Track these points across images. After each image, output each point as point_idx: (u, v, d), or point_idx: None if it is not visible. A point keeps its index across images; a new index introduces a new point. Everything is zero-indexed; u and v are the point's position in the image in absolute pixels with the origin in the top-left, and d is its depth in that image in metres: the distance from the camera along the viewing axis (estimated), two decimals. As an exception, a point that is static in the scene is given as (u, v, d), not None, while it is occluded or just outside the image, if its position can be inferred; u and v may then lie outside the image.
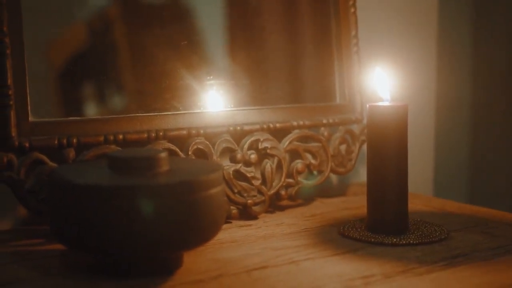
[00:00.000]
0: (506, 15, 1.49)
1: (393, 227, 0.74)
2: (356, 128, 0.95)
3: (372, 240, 0.72)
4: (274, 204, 0.88)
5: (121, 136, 0.75)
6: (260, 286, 0.60)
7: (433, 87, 1.17)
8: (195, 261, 0.66)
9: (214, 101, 0.84)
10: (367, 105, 0.75)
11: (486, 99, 1.49)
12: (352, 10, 0.94)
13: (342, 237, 0.75)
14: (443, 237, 0.73)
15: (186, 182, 0.59)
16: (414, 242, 0.71)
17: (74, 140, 0.73)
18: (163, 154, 0.63)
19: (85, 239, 0.59)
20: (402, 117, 0.74)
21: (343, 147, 0.93)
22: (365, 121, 0.95)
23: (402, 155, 0.74)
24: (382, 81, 0.77)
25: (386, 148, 0.74)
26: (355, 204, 0.92)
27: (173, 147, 0.78)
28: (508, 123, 1.69)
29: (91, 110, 0.77)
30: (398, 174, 0.74)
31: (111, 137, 0.74)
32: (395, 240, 0.72)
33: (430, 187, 1.19)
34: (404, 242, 0.71)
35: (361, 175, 1.06)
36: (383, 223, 0.74)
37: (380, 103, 0.75)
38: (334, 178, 1.04)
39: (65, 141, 0.72)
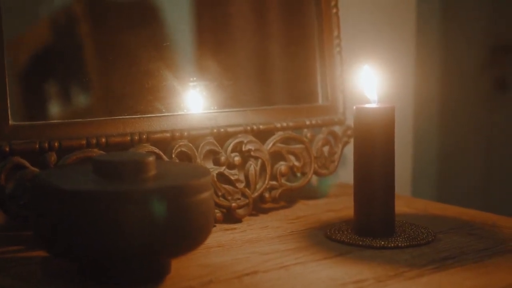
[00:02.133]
0: (475, 13, 1.51)
1: (381, 230, 0.74)
2: (338, 129, 0.94)
3: (360, 243, 0.72)
4: (258, 207, 0.87)
5: (104, 139, 0.73)
6: (252, 292, 0.59)
7: (412, 86, 1.17)
8: (184, 266, 0.64)
9: (197, 103, 0.82)
10: (354, 107, 0.74)
11: (455, 99, 1.50)
12: (334, 10, 0.94)
13: (330, 240, 0.74)
14: (430, 239, 0.73)
15: (176, 187, 0.58)
16: (402, 245, 0.71)
17: (56, 144, 0.71)
18: (151, 158, 0.61)
19: (72, 246, 0.57)
20: (389, 118, 0.74)
21: (326, 149, 0.92)
22: (347, 122, 0.95)
23: (389, 157, 0.74)
24: (367, 82, 0.77)
25: (373, 150, 0.73)
26: (338, 205, 0.91)
27: (157, 150, 0.77)
28: (475, 122, 1.70)
29: (73, 113, 0.75)
30: (385, 176, 0.74)
31: (94, 140, 0.73)
32: (383, 243, 0.71)
33: (408, 187, 1.19)
34: (392, 245, 0.71)
35: (341, 176, 1.06)
36: (371, 225, 0.74)
37: (367, 105, 0.74)
38: (315, 179, 1.03)
39: (46, 145, 0.70)
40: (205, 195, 0.61)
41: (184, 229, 0.59)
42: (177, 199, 0.58)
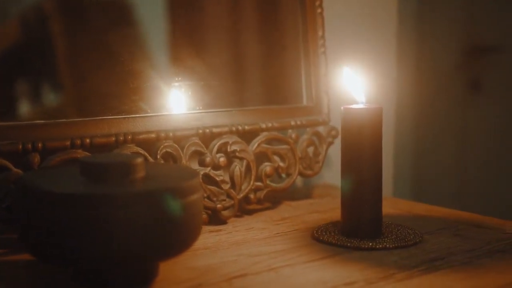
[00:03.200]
0: (449, 15, 1.52)
1: (368, 231, 0.74)
2: (323, 130, 0.94)
3: (348, 244, 0.71)
4: (242, 208, 0.87)
5: (88, 140, 0.72)
6: (244, 295, 0.58)
7: (393, 87, 1.17)
8: (172, 269, 0.64)
9: (182, 103, 0.81)
10: (342, 108, 0.74)
11: (430, 99, 1.51)
12: (319, 10, 0.93)
13: (317, 241, 0.74)
14: (417, 240, 0.73)
15: (166, 189, 0.57)
16: (390, 246, 0.71)
17: (40, 145, 0.69)
18: (139, 160, 0.60)
19: (59, 249, 0.56)
20: (377, 119, 0.73)
21: (310, 150, 0.92)
22: (332, 122, 0.95)
23: (377, 158, 0.74)
24: (351, 83, 0.77)
25: (361, 151, 0.73)
26: (322, 206, 0.91)
27: (142, 151, 0.75)
28: (449, 122, 1.71)
29: (56, 113, 0.73)
30: (373, 178, 0.73)
31: (78, 141, 0.71)
32: (371, 244, 0.71)
33: (390, 188, 1.19)
34: (380, 246, 0.71)
35: (325, 177, 1.06)
36: (358, 227, 0.74)
37: (355, 106, 0.74)
38: (299, 180, 1.03)
39: (30, 145, 0.69)
40: (195, 197, 0.60)
41: (174, 232, 0.58)
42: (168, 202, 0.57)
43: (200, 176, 0.77)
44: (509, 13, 1.71)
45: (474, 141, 1.80)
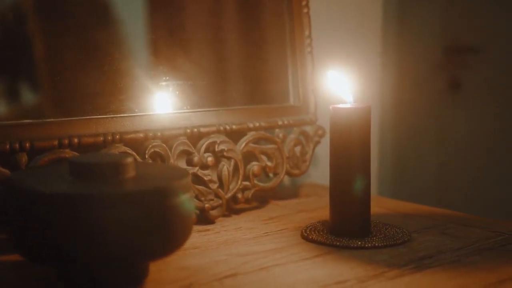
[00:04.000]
0: (429, 15, 1.53)
1: (357, 230, 0.74)
2: (309, 130, 0.94)
3: (338, 243, 0.71)
4: (230, 208, 0.86)
5: (76, 140, 0.71)
6: (236, 295, 0.58)
7: (377, 87, 1.18)
8: (162, 269, 0.63)
9: (170, 103, 0.81)
10: (330, 107, 0.74)
11: (410, 99, 1.52)
12: (305, 10, 0.93)
13: (306, 240, 0.74)
14: (406, 239, 0.73)
15: (158, 189, 0.57)
16: (379, 245, 0.71)
17: (27, 145, 0.68)
18: (129, 159, 0.60)
19: (49, 249, 0.55)
20: (365, 118, 0.73)
21: (297, 149, 0.92)
22: (318, 122, 0.95)
23: (365, 157, 0.74)
24: (340, 82, 0.77)
25: (350, 150, 0.73)
26: (309, 206, 0.91)
27: (130, 151, 0.75)
28: (429, 121, 1.73)
29: (44, 113, 0.72)
30: (362, 176, 0.73)
31: (66, 141, 0.71)
32: (360, 243, 0.71)
33: (375, 187, 1.20)
34: (369, 245, 0.71)
35: (312, 176, 1.06)
36: (347, 226, 0.74)
37: (343, 105, 0.74)
38: (285, 179, 1.03)
39: (17, 145, 0.68)
40: (186, 196, 0.59)
41: (165, 232, 0.57)
42: (159, 202, 0.57)
43: (190, 175, 0.76)
44: (488, 14, 1.72)
45: (454, 139, 1.81)
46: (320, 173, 1.05)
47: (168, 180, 0.59)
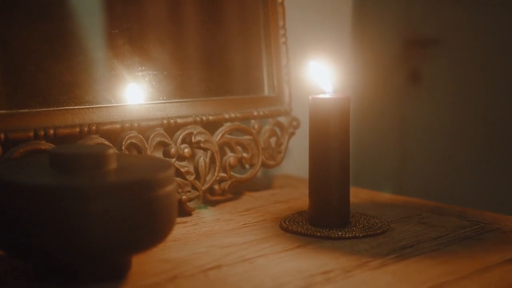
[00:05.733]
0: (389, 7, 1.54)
1: (336, 221, 0.74)
2: (284, 120, 0.94)
3: (318, 234, 0.71)
4: (206, 199, 0.86)
5: (52, 131, 0.70)
6: (222, 286, 0.57)
7: (348, 78, 1.18)
8: (144, 262, 0.62)
9: (146, 93, 0.80)
10: (310, 97, 0.74)
11: (371, 91, 1.53)
12: (280, 0, 0.93)
13: (286, 231, 0.74)
14: (385, 229, 0.74)
15: (142, 181, 0.56)
16: (360, 235, 0.71)
17: (2, 136, 0.67)
18: (111, 151, 0.59)
19: (29, 243, 0.54)
20: (345, 109, 0.73)
21: (273, 140, 0.92)
22: (293, 113, 0.95)
23: (344, 148, 0.74)
24: (318, 73, 0.77)
25: (329, 141, 0.73)
26: (284, 197, 0.91)
27: (107, 142, 0.74)
28: (390, 113, 1.75)
29: (19, 103, 0.70)
30: (341, 167, 0.73)
31: (42, 132, 0.69)
32: (340, 233, 0.71)
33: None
34: (350, 235, 0.71)
35: (284, 167, 1.06)
36: (326, 216, 0.74)
37: (322, 95, 0.74)
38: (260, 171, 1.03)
39: (-8, 137, 0.66)
40: (169, 188, 0.59)
41: (149, 224, 0.56)
42: (142, 193, 0.56)
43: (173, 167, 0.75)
44: (447, 7, 1.75)
45: (414, 130, 1.83)
46: (293, 165, 1.05)
47: (152, 172, 0.58)
